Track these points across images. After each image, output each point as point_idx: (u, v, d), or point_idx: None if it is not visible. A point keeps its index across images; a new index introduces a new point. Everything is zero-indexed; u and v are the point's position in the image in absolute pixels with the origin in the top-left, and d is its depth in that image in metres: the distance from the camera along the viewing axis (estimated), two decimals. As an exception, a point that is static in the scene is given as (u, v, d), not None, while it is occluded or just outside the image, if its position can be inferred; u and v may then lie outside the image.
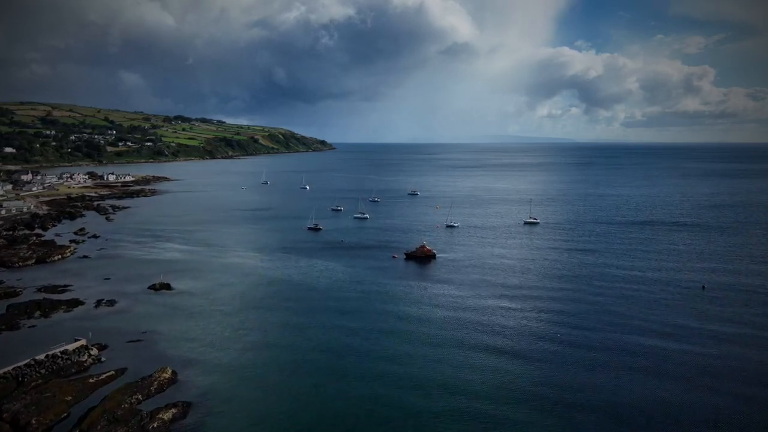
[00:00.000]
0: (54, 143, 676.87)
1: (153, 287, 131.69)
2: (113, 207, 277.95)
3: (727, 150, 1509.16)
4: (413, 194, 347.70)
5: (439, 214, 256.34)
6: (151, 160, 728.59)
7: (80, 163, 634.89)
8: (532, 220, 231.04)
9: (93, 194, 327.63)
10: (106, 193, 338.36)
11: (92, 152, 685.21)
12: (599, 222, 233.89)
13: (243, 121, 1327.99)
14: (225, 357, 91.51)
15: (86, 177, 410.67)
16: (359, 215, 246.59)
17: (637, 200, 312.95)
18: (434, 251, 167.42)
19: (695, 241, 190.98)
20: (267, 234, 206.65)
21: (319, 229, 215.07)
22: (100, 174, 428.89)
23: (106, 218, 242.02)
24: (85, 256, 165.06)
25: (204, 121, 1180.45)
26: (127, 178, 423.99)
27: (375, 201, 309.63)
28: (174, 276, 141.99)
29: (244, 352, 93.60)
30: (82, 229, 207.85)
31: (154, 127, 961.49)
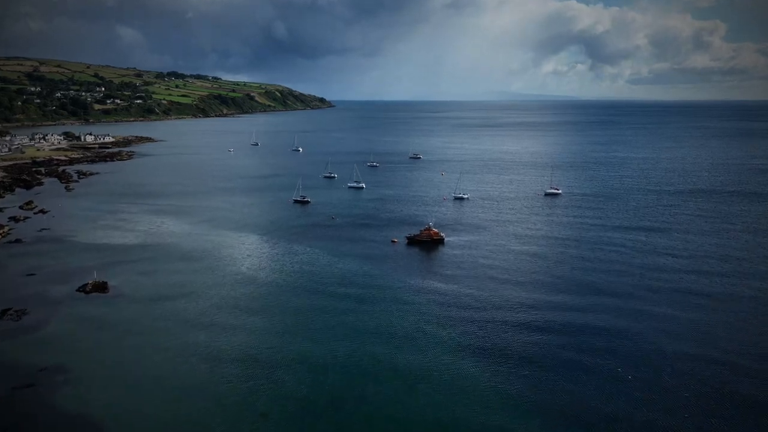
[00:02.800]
0: (38, 101, 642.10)
1: (84, 289, 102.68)
2: (79, 173, 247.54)
3: (741, 108, 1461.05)
4: (415, 158, 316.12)
5: (445, 183, 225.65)
6: (141, 119, 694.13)
7: (65, 121, 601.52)
8: (553, 191, 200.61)
9: (62, 158, 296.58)
10: (77, 156, 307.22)
11: (78, 110, 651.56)
12: (634, 191, 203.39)
13: (243, 78, 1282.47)
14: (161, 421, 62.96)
15: (61, 138, 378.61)
16: (354, 184, 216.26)
17: (666, 164, 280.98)
18: (442, 235, 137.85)
19: None
20: (246, 210, 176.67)
21: (307, 202, 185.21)
22: (77, 135, 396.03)
23: (66, 188, 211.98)
24: (17, 240, 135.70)
25: (199, 77, 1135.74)
26: (107, 139, 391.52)
27: (373, 166, 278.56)
28: (117, 270, 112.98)
29: (193, 409, 64.98)
30: (30, 203, 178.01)
31: (146, 84, 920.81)
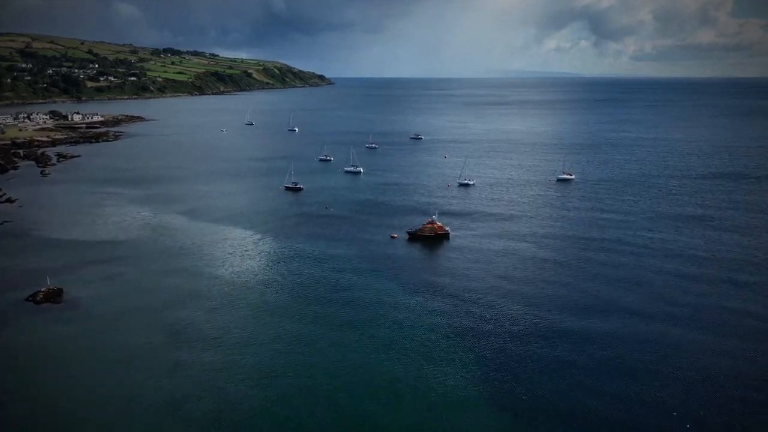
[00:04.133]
0: (28, 78, 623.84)
1: (34, 297, 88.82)
2: (60, 156, 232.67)
3: (747, 85, 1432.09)
4: (416, 138, 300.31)
5: (448, 166, 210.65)
6: (135, 97, 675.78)
7: (56, 99, 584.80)
8: (566, 177, 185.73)
9: (44, 139, 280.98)
10: (60, 137, 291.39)
11: (70, 88, 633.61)
12: (652, 176, 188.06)
13: (242, 55, 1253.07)
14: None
15: (47, 117, 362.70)
16: (351, 169, 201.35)
17: (682, 146, 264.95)
18: (447, 229, 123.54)
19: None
20: (232, 198, 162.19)
21: (299, 189, 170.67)
22: (64, 113, 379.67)
23: (42, 172, 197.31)
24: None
25: (196, 54, 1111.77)
26: (95, 119, 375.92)
27: (372, 147, 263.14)
28: (79, 274, 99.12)
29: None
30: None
31: (141, 60, 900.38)
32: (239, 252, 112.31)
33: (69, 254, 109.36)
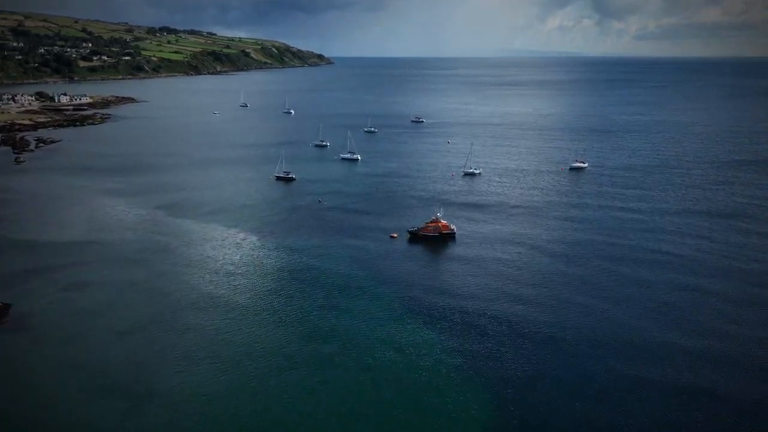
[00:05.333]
0: (19, 57, 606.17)
1: (-26, 316, 76.27)
2: (40, 141, 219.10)
3: (756, 64, 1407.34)
4: (417, 122, 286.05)
5: (452, 153, 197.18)
6: (129, 77, 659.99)
7: (47, 79, 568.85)
8: (579, 165, 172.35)
9: (27, 122, 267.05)
10: (44, 120, 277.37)
11: (62, 68, 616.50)
12: (672, 164, 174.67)
13: (241, 34, 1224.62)
14: None
15: (32, 98, 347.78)
16: (348, 156, 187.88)
17: (699, 129, 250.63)
18: (452, 227, 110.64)
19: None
20: (218, 189, 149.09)
21: (291, 178, 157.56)
22: (51, 95, 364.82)
23: (17, 159, 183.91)
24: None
25: (193, 33, 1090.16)
26: (83, 100, 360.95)
27: (371, 132, 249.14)
28: (34, 283, 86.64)
29: None
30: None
31: (137, 39, 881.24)
32: (219, 256, 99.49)
33: (24, 259, 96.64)
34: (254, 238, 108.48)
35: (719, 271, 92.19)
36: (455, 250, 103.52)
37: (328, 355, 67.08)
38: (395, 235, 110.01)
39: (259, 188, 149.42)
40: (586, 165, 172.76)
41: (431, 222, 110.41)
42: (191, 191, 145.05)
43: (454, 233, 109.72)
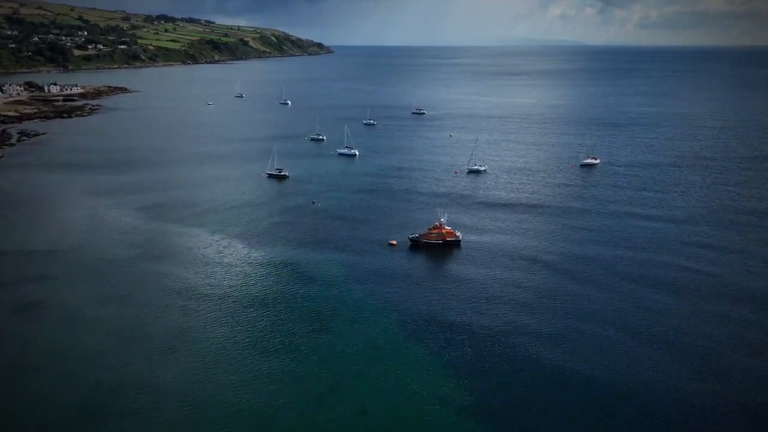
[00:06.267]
0: (13, 45, 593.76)
1: None
2: (23, 134, 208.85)
3: (764, 54, 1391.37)
4: (419, 113, 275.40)
5: (455, 148, 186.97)
6: (125, 66, 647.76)
7: (41, 68, 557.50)
8: (590, 161, 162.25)
9: (12, 113, 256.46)
10: (30, 111, 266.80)
11: (56, 56, 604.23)
12: (691, 161, 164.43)
13: (241, 22, 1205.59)
14: None
15: (21, 89, 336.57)
16: (345, 151, 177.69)
17: (714, 122, 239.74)
18: (457, 234, 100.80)
19: None
20: (205, 189, 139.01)
21: (284, 176, 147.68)
22: (40, 85, 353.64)
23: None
24: None
25: (191, 21, 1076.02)
26: (74, 90, 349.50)
27: (370, 124, 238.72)
28: (-17, 303, 76.81)
29: None
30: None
31: (134, 28, 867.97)
32: (199, 268, 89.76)
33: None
34: (239, 248, 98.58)
35: (754, 295, 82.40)
36: (461, 260, 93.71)
37: (318, 396, 57.45)
38: (394, 243, 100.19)
39: (249, 187, 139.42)
40: (597, 161, 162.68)
41: (434, 228, 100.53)
42: (176, 191, 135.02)
43: (459, 240, 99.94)
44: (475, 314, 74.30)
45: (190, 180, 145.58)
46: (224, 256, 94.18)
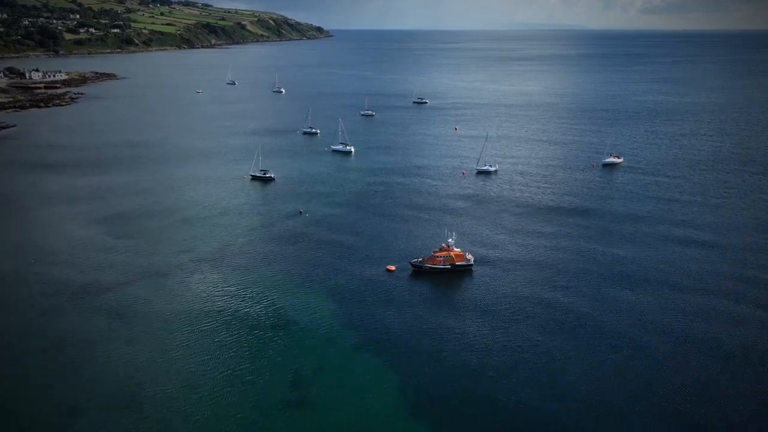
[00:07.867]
0: (1, 29, 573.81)
1: None
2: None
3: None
4: (420, 102, 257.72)
5: (461, 143, 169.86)
6: (118, 50, 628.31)
7: (30, 53, 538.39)
8: (613, 160, 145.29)
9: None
10: (5, 100, 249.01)
11: (46, 40, 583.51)
12: (725, 160, 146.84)
13: (240, 5, 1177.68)
14: None
15: (1, 75, 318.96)
16: (339, 147, 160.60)
17: (742, 115, 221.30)
18: (468, 257, 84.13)
19: None
20: (181, 193, 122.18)
21: (270, 178, 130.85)
22: (21, 70, 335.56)
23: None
24: None
25: (187, 4, 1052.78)
26: (57, 77, 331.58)
27: (368, 116, 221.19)
28: None
29: None
30: None
31: (128, 11, 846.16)
32: (162, 297, 73.33)
33: None
34: (208, 275, 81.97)
35: None
36: (473, 291, 77.25)
37: None
38: (392, 268, 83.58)
39: (230, 192, 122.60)
40: (621, 160, 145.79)
41: (440, 251, 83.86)
42: (144, 196, 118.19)
43: (471, 265, 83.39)
44: (493, 367, 57.95)
45: (162, 183, 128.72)
46: (188, 291, 77.30)
